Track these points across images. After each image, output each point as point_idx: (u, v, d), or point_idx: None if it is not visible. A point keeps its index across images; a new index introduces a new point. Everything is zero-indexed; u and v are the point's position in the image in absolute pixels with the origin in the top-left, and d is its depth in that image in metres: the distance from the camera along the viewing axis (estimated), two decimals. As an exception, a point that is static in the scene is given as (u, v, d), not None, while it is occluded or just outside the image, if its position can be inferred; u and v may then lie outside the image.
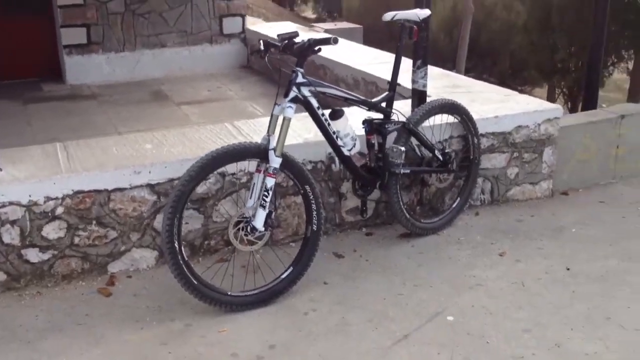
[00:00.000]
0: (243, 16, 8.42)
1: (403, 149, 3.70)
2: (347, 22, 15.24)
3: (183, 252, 3.08)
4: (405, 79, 4.30)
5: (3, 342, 2.99)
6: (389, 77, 3.81)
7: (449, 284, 3.44)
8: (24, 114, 6.48)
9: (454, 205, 4.14)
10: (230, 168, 3.51)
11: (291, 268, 3.33)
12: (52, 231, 3.38)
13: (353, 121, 3.59)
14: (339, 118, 3.49)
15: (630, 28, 15.97)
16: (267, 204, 3.14)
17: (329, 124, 3.44)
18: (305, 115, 3.47)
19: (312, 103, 3.36)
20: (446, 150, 4.00)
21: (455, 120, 4.08)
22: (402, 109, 3.88)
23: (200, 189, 3.51)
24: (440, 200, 4.25)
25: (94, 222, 3.44)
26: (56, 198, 3.34)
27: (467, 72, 12.77)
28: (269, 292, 3.26)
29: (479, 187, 4.33)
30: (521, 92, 5.50)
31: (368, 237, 3.97)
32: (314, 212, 3.34)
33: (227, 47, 8.38)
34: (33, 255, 3.38)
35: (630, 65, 17.81)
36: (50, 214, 3.35)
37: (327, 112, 3.46)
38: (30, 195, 3.31)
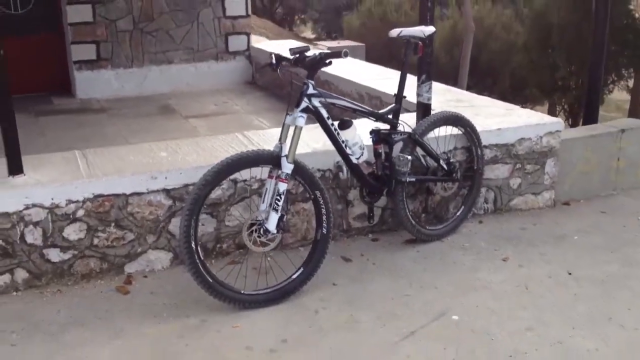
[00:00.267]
0: (248, 34, 8.62)
1: (409, 157, 3.82)
2: (349, 40, 15.46)
3: (199, 252, 3.20)
4: (409, 94, 4.40)
5: (27, 334, 3.11)
6: (392, 92, 3.94)
7: (454, 286, 3.55)
8: (36, 125, 6.64)
9: (458, 214, 4.25)
10: (243, 175, 3.64)
11: (302, 269, 3.46)
12: (73, 232, 3.51)
13: (361, 131, 3.71)
14: (347, 128, 3.60)
15: (629, 47, 16.15)
16: (280, 208, 3.27)
17: (338, 134, 3.57)
18: (314, 126, 3.60)
19: (322, 113, 3.49)
20: (451, 161, 4.11)
21: (460, 132, 4.20)
22: (408, 121, 4.00)
23: (214, 194, 3.64)
24: (445, 208, 4.36)
25: (113, 224, 3.57)
26: (77, 201, 3.48)
27: (469, 90, 12.88)
28: (281, 291, 3.38)
29: (483, 196, 4.44)
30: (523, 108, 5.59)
31: (374, 243, 4.09)
32: (324, 216, 3.46)
33: (233, 64, 8.57)
34: (54, 255, 3.51)
35: (631, 83, 17.97)
36: (71, 216, 3.48)
37: (336, 122, 3.59)
38: (52, 198, 3.44)
